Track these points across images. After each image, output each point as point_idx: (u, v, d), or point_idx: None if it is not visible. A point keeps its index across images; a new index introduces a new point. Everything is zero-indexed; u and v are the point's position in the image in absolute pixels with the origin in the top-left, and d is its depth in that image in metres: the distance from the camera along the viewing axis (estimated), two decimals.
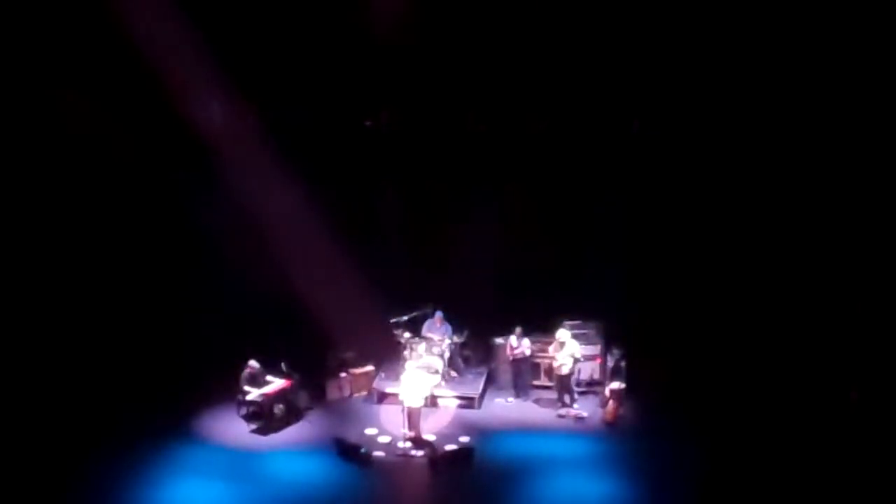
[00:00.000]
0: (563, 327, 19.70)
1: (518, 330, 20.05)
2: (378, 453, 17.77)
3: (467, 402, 19.89)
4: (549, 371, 20.30)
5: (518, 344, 20.04)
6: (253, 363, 18.91)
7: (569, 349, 19.39)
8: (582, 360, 19.76)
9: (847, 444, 17.24)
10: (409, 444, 18.00)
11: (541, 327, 20.29)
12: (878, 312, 19.36)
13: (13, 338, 19.46)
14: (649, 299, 21.27)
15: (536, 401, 20.13)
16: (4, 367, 19.00)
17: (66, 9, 19.31)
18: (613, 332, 20.29)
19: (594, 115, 21.34)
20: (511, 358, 20.18)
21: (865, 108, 19.25)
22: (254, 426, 18.75)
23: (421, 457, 17.72)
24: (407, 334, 20.85)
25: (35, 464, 16.92)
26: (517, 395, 20.24)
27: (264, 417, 18.75)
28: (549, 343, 20.01)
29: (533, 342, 20.13)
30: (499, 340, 20.67)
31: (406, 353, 20.38)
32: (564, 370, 19.46)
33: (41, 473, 16.69)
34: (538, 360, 20.36)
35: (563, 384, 19.55)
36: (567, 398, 19.57)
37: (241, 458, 17.68)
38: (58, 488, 16.43)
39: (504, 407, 20.05)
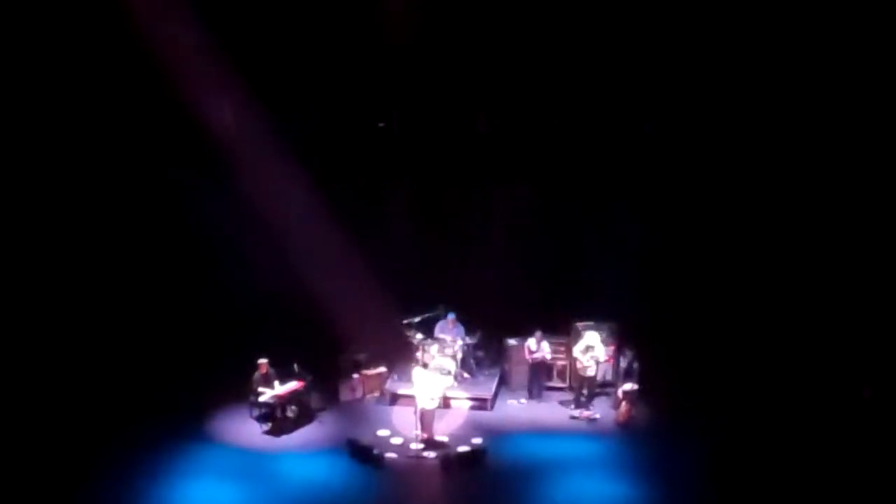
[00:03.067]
0: (590, 329, 19.67)
1: (538, 333, 20.02)
2: (390, 454, 17.74)
3: (480, 404, 19.88)
4: (563, 372, 20.31)
5: (537, 347, 20.01)
6: (265, 364, 18.92)
7: (595, 352, 19.37)
8: (602, 361, 19.74)
9: (861, 442, 17.19)
10: (421, 445, 18.00)
11: (553, 328, 20.28)
12: (889, 310, 19.29)
13: (28, 339, 19.57)
14: (662, 300, 21.23)
15: (549, 402, 20.10)
16: (18, 368, 19.09)
17: (81, 11, 19.39)
18: (626, 333, 20.23)
19: (606, 115, 21.31)
20: (530, 361, 20.14)
21: (877, 109, 19.20)
22: (266, 427, 18.77)
23: (433, 458, 17.68)
24: (419, 335, 20.84)
25: (49, 464, 16.96)
26: (531, 397, 20.22)
27: (277, 419, 18.77)
28: (563, 344, 20.01)
29: (549, 344, 20.11)
30: (511, 342, 20.65)
31: (419, 354, 20.38)
32: (590, 372, 19.44)
33: (55, 474, 16.73)
34: (551, 362, 20.33)
35: (587, 386, 19.51)
36: (583, 399, 19.52)
37: (253, 460, 17.68)
38: (71, 489, 16.46)
39: (517, 408, 20.04)
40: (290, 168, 21.22)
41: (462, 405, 19.84)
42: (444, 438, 18.30)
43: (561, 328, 20.32)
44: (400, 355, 20.80)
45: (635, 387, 19.05)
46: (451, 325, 20.88)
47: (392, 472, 17.33)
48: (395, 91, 21.99)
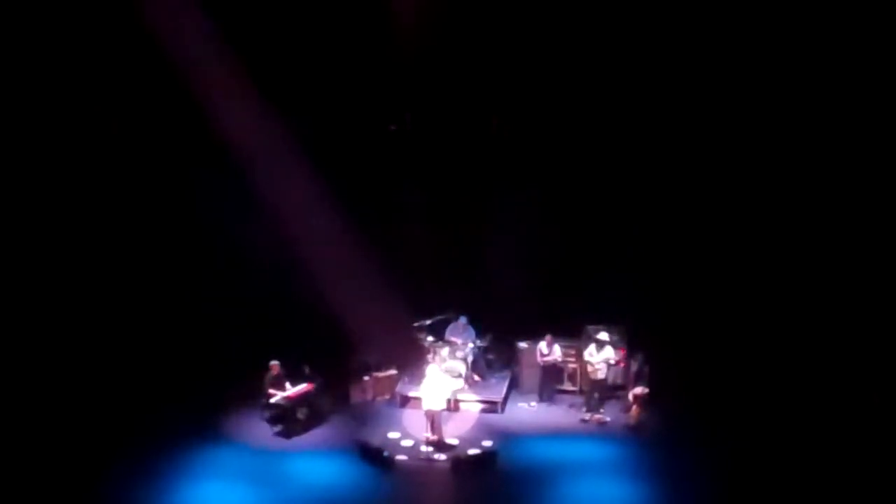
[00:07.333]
0: (598, 331, 19.64)
1: (548, 337, 20.00)
2: (401, 457, 17.77)
3: (490, 407, 19.87)
4: (573, 376, 20.30)
5: (549, 350, 19.99)
6: (276, 366, 18.97)
7: (605, 353, 19.35)
8: (613, 364, 19.69)
9: (870, 447, 17.13)
10: (431, 447, 18.02)
11: (564, 332, 20.28)
12: None
13: (44, 340, 19.66)
14: (672, 304, 21.17)
15: (560, 405, 20.09)
16: (33, 369, 19.19)
17: (99, 12, 19.49)
18: (637, 336, 20.19)
19: (616, 120, 21.31)
20: (542, 364, 20.13)
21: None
22: (277, 429, 18.81)
23: (443, 461, 17.71)
24: (430, 338, 20.87)
25: (62, 465, 17.07)
26: (542, 400, 20.21)
27: (287, 420, 18.81)
28: (574, 348, 20.01)
29: (560, 347, 20.11)
30: (522, 345, 20.65)
31: (429, 356, 20.40)
32: (600, 375, 19.42)
33: (68, 474, 16.84)
34: (562, 365, 20.32)
35: (598, 389, 19.48)
36: (595, 403, 19.49)
37: (264, 461, 17.75)
38: (84, 489, 16.56)
39: (527, 411, 20.03)
40: (304, 170, 21.25)
41: (472, 408, 19.84)
42: (455, 441, 18.33)
43: (572, 331, 20.30)
44: (411, 358, 20.80)
45: (646, 390, 19.02)
46: (462, 328, 20.89)
47: (402, 475, 17.37)
48: (407, 94, 22.02)
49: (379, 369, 20.56)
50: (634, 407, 18.97)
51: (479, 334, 20.89)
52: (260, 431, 18.82)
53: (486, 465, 17.59)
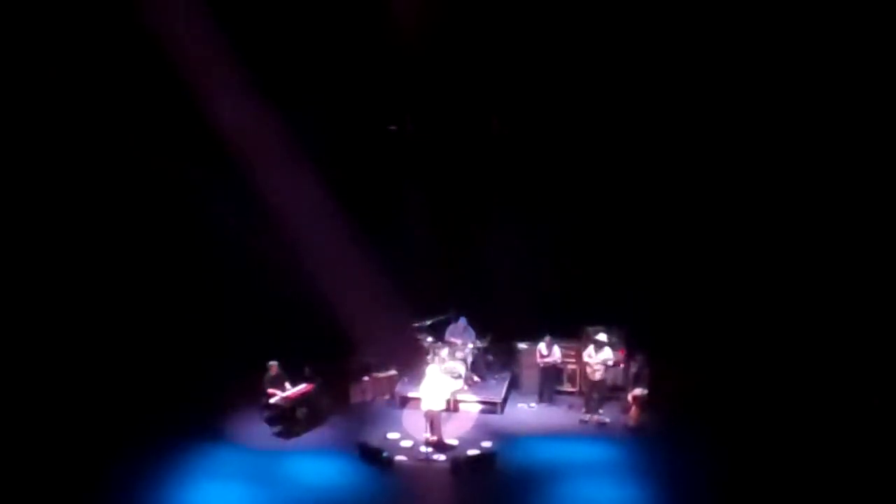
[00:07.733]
0: (597, 332, 19.63)
1: (548, 338, 20.02)
2: (400, 457, 17.79)
3: (490, 407, 19.89)
4: (573, 377, 20.32)
5: (549, 352, 20.01)
6: (275, 366, 18.98)
7: (603, 354, 19.36)
8: (612, 365, 19.70)
9: (870, 448, 17.15)
10: (431, 448, 18.03)
11: (564, 333, 20.29)
12: None
13: (43, 340, 19.66)
14: (672, 305, 21.17)
15: (559, 406, 20.10)
16: (34, 370, 19.19)
17: (96, 12, 19.48)
18: (636, 338, 20.20)
19: (617, 122, 21.31)
20: (541, 365, 20.14)
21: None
22: (276, 429, 18.82)
23: (443, 461, 17.72)
24: (430, 339, 20.88)
25: (61, 465, 17.09)
26: (541, 401, 20.22)
27: (287, 420, 18.82)
28: (573, 349, 20.02)
29: (560, 348, 20.11)
30: (522, 345, 20.67)
31: (429, 357, 20.41)
32: (598, 376, 19.42)
33: (67, 474, 16.85)
34: (561, 366, 20.33)
35: (597, 390, 19.48)
36: (593, 404, 19.49)
37: (263, 461, 17.76)
38: (83, 489, 16.58)
39: (527, 412, 20.05)
40: (303, 170, 21.25)
41: (472, 409, 19.85)
42: (454, 441, 18.34)
43: (571, 332, 20.31)
44: (410, 358, 20.81)
45: (645, 391, 19.03)
46: (461, 329, 20.91)
47: (401, 475, 17.39)
48: (408, 94, 22.02)
49: (378, 370, 20.58)
50: (634, 408, 18.99)
51: (479, 335, 20.90)
52: (260, 431, 18.84)
53: (486, 465, 17.58)
